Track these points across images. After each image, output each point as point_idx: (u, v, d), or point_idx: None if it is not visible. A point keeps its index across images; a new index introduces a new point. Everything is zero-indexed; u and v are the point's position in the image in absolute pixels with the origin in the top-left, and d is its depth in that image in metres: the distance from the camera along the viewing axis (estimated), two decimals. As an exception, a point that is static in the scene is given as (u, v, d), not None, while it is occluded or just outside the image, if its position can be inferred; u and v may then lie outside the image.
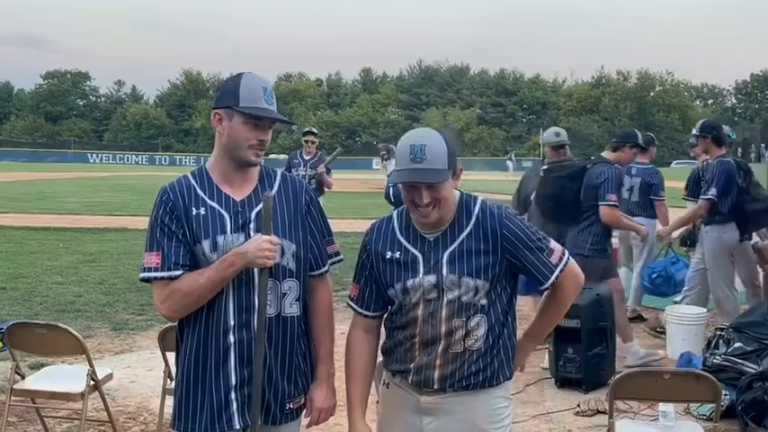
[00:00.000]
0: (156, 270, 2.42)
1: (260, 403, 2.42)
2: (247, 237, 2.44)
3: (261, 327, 2.41)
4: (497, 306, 2.45)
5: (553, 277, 2.46)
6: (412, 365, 2.46)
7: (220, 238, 2.43)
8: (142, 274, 2.47)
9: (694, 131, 7.30)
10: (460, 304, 2.41)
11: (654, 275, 7.42)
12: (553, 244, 2.49)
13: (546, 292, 2.57)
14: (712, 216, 6.65)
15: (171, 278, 2.40)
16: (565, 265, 2.48)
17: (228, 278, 2.40)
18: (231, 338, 2.42)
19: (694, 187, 7.45)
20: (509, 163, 54.28)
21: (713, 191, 6.53)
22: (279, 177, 2.59)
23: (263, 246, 2.36)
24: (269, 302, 2.44)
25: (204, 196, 2.47)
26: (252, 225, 2.46)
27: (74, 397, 4.39)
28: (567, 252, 2.53)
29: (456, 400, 2.46)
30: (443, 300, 2.41)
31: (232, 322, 2.42)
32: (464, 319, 2.40)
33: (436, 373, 2.44)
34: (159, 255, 2.42)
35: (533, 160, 41.60)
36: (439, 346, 2.42)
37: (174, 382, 2.58)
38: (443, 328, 2.41)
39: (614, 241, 7.08)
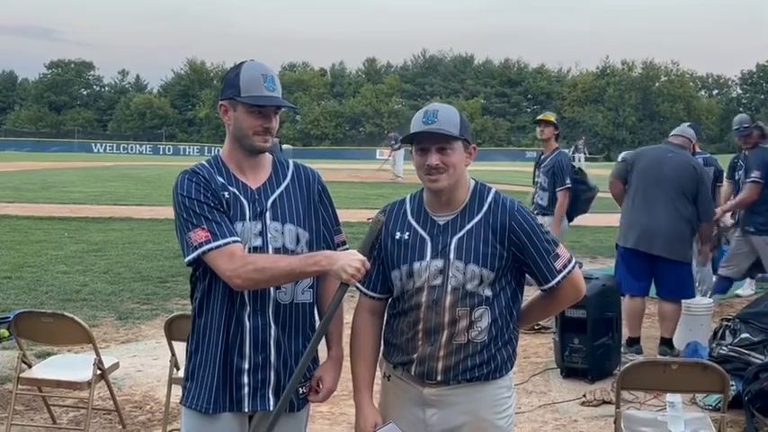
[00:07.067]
0: (207, 243, 2.35)
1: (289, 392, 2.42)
2: (264, 225, 2.45)
3: (320, 333, 2.44)
4: (501, 299, 2.45)
5: (553, 282, 2.47)
6: (415, 356, 2.46)
7: (239, 225, 2.43)
8: (191, 255, 2.38)
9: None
10: (465, 292, 2.41)
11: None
12: (561, 249, 2.49)
13: (541, 292, 2.57)
14: None
15: (227, 244, 2.34)
16: (568, 273, 2.48)
17: (308, 275, 2.43)
18: (247, 324, 2.44)
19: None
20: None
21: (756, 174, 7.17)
22: (291, 167, 2.61)
23: (354, 262, 2.34)
24: (284, 290, 2.46)
25: (225, 182, 2.48)
26: (268, 214, 2.47)
27: (80, 386, 4.41)
28: (573, 260, 2.52)
29: (459, 392, 2.46)
30: (448, 286, 2.41)
31: (249, 308, 2.43)
32: (468, 308, 2.40)
33: (440, 365, 2.43)
34: (205, 228, 2.37)
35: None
36: (442, 335, 2.42)
37: (186, 358, 2.57)
38: (447, 317, 2.41)
39: None
